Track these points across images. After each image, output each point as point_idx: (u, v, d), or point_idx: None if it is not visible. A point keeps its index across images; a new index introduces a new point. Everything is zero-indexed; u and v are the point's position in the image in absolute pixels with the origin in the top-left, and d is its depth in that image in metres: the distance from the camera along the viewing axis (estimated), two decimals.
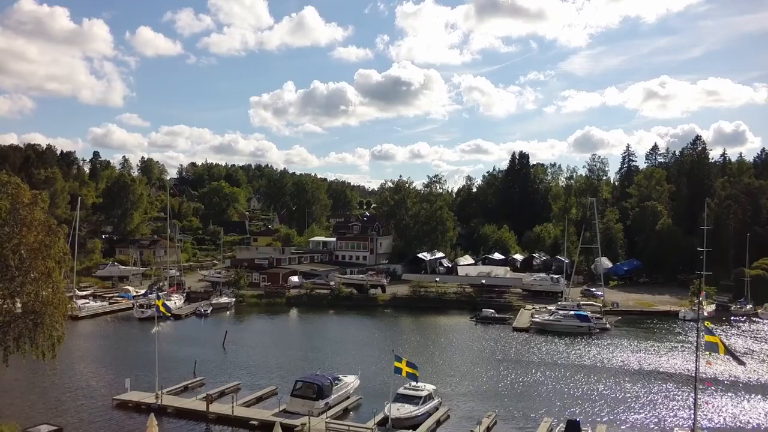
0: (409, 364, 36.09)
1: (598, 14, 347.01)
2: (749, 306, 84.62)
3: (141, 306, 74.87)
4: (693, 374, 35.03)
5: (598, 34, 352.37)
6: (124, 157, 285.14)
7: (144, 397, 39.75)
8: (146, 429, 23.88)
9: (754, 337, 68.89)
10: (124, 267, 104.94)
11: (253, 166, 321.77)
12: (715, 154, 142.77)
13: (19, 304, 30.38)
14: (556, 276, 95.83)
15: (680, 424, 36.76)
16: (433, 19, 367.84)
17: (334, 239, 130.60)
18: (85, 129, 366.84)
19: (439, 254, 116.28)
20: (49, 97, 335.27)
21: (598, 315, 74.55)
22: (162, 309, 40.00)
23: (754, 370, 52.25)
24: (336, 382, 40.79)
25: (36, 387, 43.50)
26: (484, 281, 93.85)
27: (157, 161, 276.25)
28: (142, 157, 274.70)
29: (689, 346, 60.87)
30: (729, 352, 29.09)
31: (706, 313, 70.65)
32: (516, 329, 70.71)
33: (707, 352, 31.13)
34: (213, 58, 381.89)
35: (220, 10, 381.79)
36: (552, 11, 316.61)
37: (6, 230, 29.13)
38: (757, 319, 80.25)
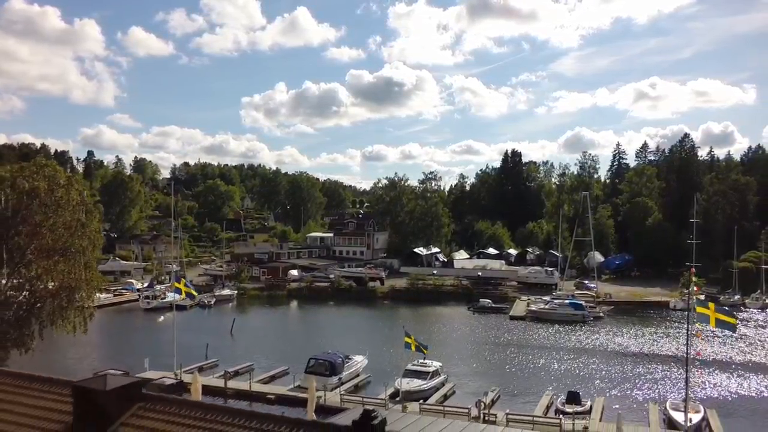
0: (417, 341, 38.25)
1: (590, 15, 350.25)
2: (737, 297, 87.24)
3: (147, 297, 76.54)
4: (684, 354, 37.29)
5: (590, 35, 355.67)
6: (117, 156, 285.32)
7: (164, 376, 41.50)
8: (191, 385, 25.72)
9: (743, 324, 71.46)
10: (125, 262, 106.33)
11: (245, 166, 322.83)
12: (703, 152, 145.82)
13: (51, 283, 32.12)
14: (551, 269, 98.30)
15: (673, 395, 39.05)
16: (426, 20, 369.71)
17: (331, 235, 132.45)
18: (76, 130, 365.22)
19: (435, 249, 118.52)
20: (40, 97, 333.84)
21: (591, 304, 76.98)
22: (185, 289, 41.50)
23: (742, 351, 54.84)
24: (347, 360, 42.85)
25: (56, 371, 45.06)
26: (480, 273, 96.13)
27: (150, 161, 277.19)
28: (135, 157, 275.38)
29: (680, 331, 63.33)
30: (720, 322, 31.04)
31: (698, 323, 73.25)
32: (513, 317, 73.00)
33: (698, 323, 33.28)
34: (205, 58, 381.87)
35: (212, 10, 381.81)
36: (544, 12, 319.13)
37: (42, 210, 30.82)
38: (745, 309, 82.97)
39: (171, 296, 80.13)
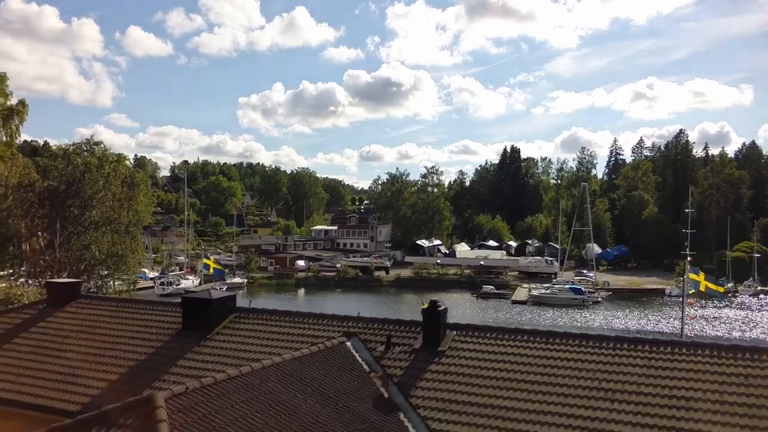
0: None
1: (589, 15, 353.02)
2: (730, 284, 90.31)
3: (162, 284, 79.52)
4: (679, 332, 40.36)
5: (588, 36, 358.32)
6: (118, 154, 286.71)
7: None
8: None
9: (735, 308, 75.13)
10: None
11: (245, 164, 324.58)
12: (698, 149, 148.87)
13: (98, 252, 34.90)
14: (550, 258, 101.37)
15: None
16: (424, 21, 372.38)
17: (335, 228, 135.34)
18: (72, 129, 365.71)
19: (437, 242, 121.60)
20: (37, 97, 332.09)
21: (590, 290, 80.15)
22: (214, 265, 44.05)
23: (736, 330, 58.09)
24: None
25: None
26: (482, 263, 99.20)
27: (150, 159, 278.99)
28: (135, 155, 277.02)
29: (676, 312, 66.51)
30: (710, 289, 34.13)
31: (691, 291, 76.63)
32: (515, 302, 76.13)
33: (692, 290, 36.29)
34: (204, 58, 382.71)
35: (210, 9, 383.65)
36: (543, 12, 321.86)
37: (93, 184, 33.63)
38: (738, 295, 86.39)
39: (185, 283, 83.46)
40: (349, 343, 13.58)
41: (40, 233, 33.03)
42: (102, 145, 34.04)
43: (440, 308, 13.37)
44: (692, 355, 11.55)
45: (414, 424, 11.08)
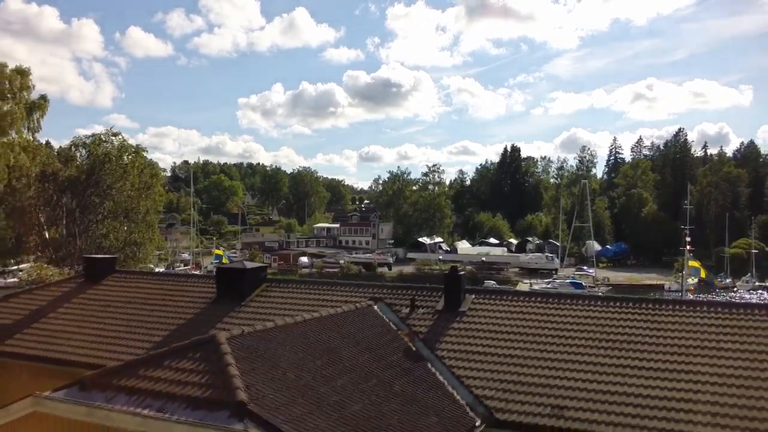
0: None
1: (589, 16, 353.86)
2: (728, 280, 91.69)
3: None
4: None
5: (588, 36, 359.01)
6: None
7: None
8: None
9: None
10: None
11: (245, 164, 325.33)
12: (697, 149, 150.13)
13: (116, 241, 36.02)
14: (551, 255, 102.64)
15: None
16: (424, 22, 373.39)
17: (337, 225, 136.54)
18: (71, 130, 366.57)
19: (438, 239, 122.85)
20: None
21: (591, 285, 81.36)
22: (225, 261, 45.16)
23: None
24: None
25: None
26: (484, 259, 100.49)
27: (150, 159, 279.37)
28: None
29: None
30: (707, 277, 35.39)
31: (689, 284, 77.82)
32: None
33: (693, 278, 37.53)
34: (204, 59, 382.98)
35: (211, 10, 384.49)
36: (542, 13, 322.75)
37: (112, 174, 34.78)
38: (736, 290, 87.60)
39: None
40: (375, 307, 14.71)
41: (60, 222, 34.14)
42: (120, 136, 35.03)
43: (461, 273, 14.52)
44: (692, 311, 12.74)
45: (440, 372, 12.26)
